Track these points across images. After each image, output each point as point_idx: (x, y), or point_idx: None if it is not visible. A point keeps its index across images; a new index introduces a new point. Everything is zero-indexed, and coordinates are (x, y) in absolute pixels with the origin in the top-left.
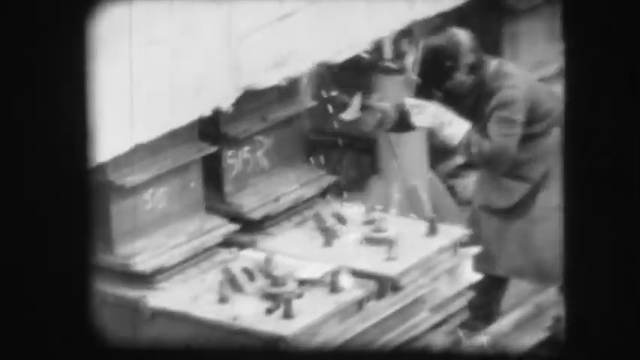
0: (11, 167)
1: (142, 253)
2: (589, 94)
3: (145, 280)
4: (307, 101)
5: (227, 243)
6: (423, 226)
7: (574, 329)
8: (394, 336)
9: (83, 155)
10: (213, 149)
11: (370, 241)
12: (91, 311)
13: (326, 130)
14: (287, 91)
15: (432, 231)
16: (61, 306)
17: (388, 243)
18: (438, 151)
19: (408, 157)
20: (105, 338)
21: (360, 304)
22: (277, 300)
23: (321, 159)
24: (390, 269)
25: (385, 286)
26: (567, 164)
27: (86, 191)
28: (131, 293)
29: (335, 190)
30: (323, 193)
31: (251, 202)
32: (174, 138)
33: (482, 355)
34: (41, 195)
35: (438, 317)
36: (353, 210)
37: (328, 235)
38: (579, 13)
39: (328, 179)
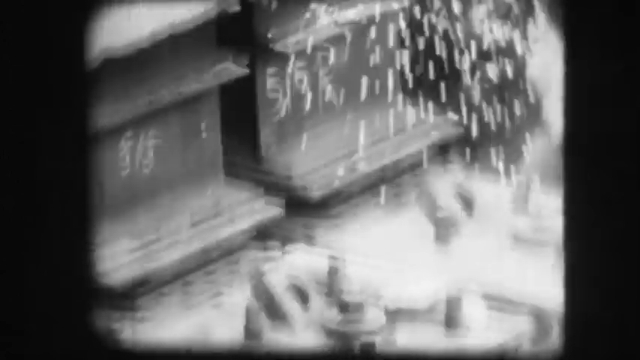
0: (13, 170)
1: (112, 250)
2: (589, 97)
3: (117, 299)
4: None
5: (262, 235)
6: None
7: (573, 332)
8: None
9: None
10: (241, 69)
11: (524, 241)
12: (91, 311)
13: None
14: None
15: None
16: (61, 305)
17: (558, 250)
18: None
19: None
20: (105, 339)
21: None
22: (348, 342)
23: (440, 88)
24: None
25: (549, 325)
26: (567, 164)
27: (88, 189)
28: (97, 322)
29: (460, 147)
30: (439, 152)
31: (306, 165)
32: (174, 47)
33: (480, 356)
34: (40, 196)
35: None
36: (491, 184)
37: (444, 227)
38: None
39: (450, 127)
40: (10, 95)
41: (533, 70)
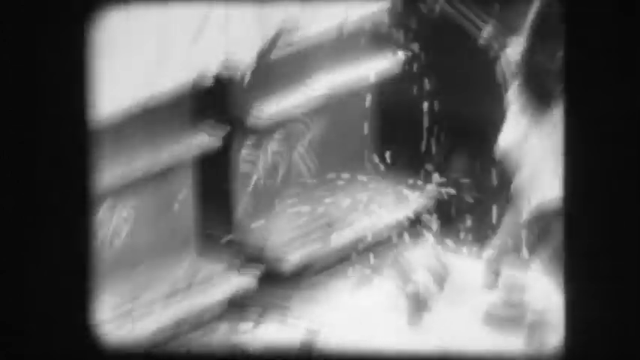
0: (13, 170)
1: None
2: (588, 99)
3: None
4: (388, 57)
5: (237, 306)
6: None
7: (574, 332)
8: None
9: (85, 155)
10: (216, 141)
11: (497, 319)
12: (91, 313)
13: (422, 106)
14: (350, 40)
15: None
16: (61, 308)
17: (531, 326)
18: None
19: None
20: (105, 341)
21: None
22: None
23: (412, 158)
24: None
25: None
26: (568, 163)
27: (87, 190)
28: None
29: (434, 220)
30: (412, 225)
31: (281, 237)
32: (150, 120)
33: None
34: (40, 196)
35: None
36: (463, 257)
37: (417, 299)
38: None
39: (422, 198)
40: (10, 95)
41: (505, 141)
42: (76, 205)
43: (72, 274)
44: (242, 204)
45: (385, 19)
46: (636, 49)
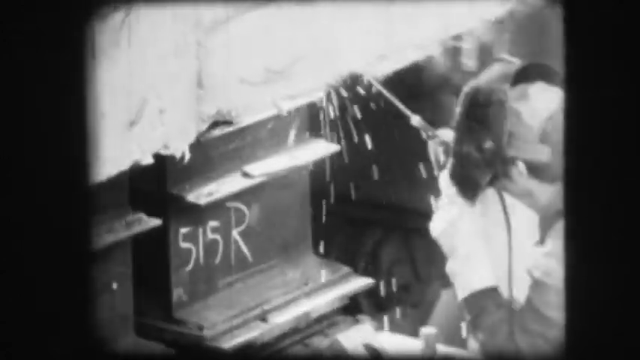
0: (6, 176)
1: None
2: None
3: None
4: (324, 144)
5: None
6: None
7: (574, 333)
8: None
9: (82, 165)
10: (154, 224)
11: None
12: (91, 315)
13: (354, 195)
14: (287, 124)
15: None
16: (60, 310)
17: None
18: None
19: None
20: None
21: None
22: None
23: (345, 246)
24: None
25: None
26: (568, 164)
27: (85, 197)
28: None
29: (368, 304)
30: (348, 308)
31: (217, 321)
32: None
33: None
34: (38, 201)
35: None
36: (399, 341)
37: None
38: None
39: (356, 283)
40: (9, 95)
41: (436, 229)
42: (76, 203)
43: (72, 274)
44: (179, 287)
45: (324, 104)
46: (637, 45)
